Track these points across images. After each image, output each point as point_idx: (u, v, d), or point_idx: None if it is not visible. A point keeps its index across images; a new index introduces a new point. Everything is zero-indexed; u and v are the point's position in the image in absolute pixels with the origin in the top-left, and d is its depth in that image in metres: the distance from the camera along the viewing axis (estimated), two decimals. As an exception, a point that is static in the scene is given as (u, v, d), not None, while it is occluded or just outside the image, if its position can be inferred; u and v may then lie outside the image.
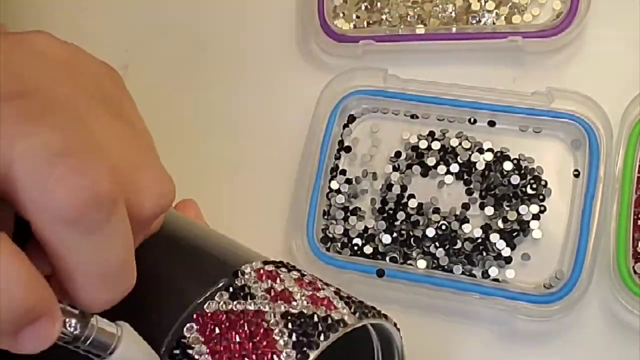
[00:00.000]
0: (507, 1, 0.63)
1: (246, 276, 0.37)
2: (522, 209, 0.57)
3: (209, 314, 0.36)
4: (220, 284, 0.37)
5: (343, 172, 0.61)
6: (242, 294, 0.37)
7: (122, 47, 0.68)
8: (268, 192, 0.63)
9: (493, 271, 0.57)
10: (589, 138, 0.57)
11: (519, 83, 0.61)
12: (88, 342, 0.33)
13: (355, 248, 0.59)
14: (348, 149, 0.62)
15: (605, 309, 0.56)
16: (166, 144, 0.65)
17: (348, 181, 0.61)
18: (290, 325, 0.35)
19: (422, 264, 0.58)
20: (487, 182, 0.59)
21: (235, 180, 0.64)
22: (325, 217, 0.60)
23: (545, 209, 0.58)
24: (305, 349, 0.34)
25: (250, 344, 0.35)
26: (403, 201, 0.59)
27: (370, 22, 0.65)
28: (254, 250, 0.42)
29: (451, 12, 0.64)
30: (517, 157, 0.59)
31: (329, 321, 0.36)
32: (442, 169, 0.59)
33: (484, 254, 0.57)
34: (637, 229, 0.55)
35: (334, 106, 0.61)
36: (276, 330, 0.35)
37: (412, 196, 0.59)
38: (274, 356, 0.34)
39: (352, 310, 0.37)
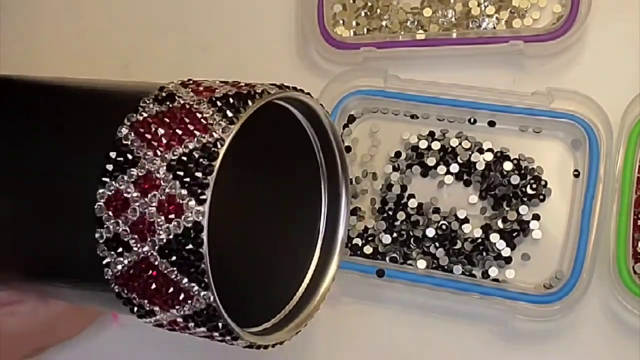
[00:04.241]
0: (508, 5, 0.63)
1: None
2: (522, 209, 0.57)
3: None
4: None
5: (343, 172, 0.61)
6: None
7: (122, 48, 0.68)
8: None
9: (493, 271, 0.57)
10: (589, 138, 0.57)
11: (519, 83, 0.61)
12: None
13: (355, 248, 0.59)
14: (348, 149, 0.61)
15: (605, 309, 0.56)
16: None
17: (348, 181, 0.61)
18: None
19: (422, 264, 0.58)
20: (487, 182, 0.59)
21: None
22: (325, 217, 0.60)
23: (545, 209, 0.58)
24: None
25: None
26: (403, 201, 0.59)
27: (370, 28, 0.65)
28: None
29: (451, 17, 0.63)
30: (517, 157, 0.59)
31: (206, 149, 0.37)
32: (442, 169, 0.59)
33: (484, 254, 0.57)
34: (637, 229, 0.55)
35: (334, 106, 0.61)
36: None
37: (412, 196, 0.59)
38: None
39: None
